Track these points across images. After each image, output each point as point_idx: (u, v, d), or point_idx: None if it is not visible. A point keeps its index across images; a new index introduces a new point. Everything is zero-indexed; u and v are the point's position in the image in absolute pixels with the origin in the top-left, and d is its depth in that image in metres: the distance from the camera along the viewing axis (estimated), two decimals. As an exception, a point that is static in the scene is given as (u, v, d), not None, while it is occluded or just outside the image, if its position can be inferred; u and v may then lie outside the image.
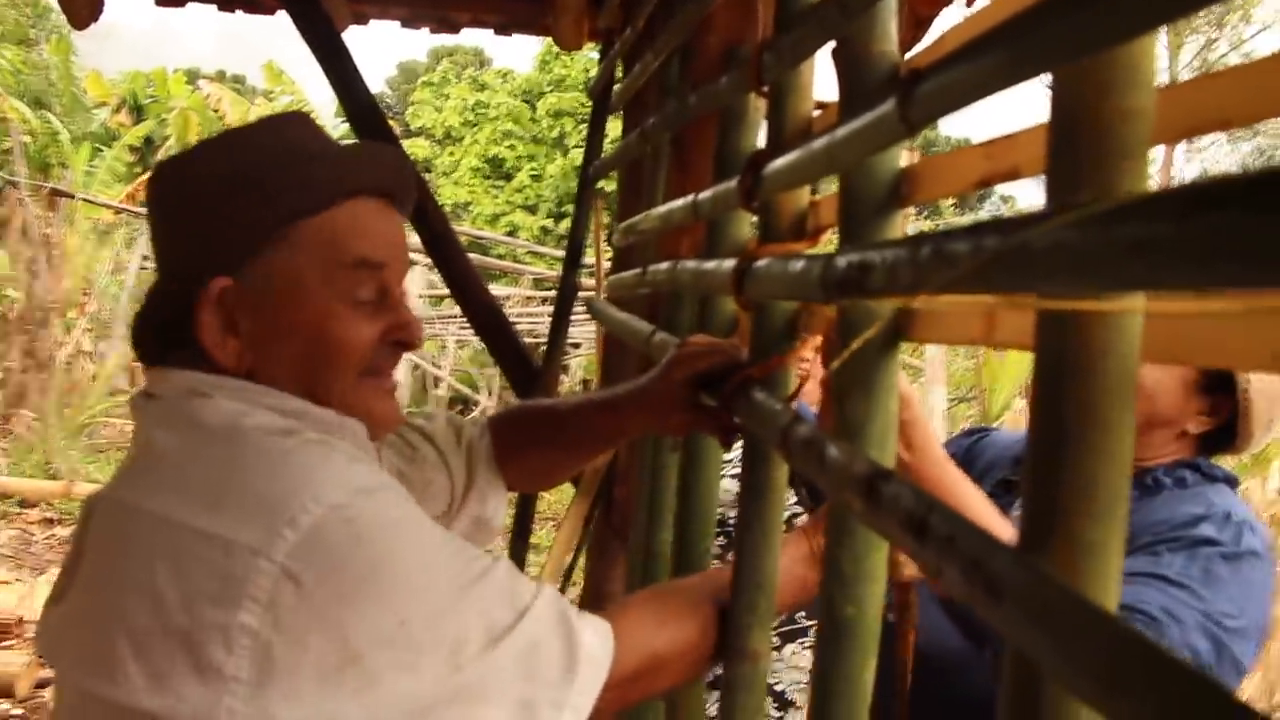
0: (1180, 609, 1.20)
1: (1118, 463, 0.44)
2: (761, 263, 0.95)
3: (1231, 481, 1.41)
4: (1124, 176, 0.43)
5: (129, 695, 0.84)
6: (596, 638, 0.94)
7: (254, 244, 0.98)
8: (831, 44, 0.83)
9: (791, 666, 2.53)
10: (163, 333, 1.01)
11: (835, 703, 0.81)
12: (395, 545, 0.87)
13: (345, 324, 1.00)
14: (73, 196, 11.17)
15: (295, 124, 1.06)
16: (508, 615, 0.90)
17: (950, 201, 16.75)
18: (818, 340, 1.01)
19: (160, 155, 18.93)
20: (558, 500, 8.70)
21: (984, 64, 0.50)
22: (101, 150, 17.89)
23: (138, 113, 20.56)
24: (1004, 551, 0.47)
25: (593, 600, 2.07)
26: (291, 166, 1.00)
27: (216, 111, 19.49)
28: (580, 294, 2.33)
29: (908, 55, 0.80)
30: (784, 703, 2.54)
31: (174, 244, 1.01)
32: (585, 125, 2.26)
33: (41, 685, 4.71)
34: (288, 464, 0.89)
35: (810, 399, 2.38)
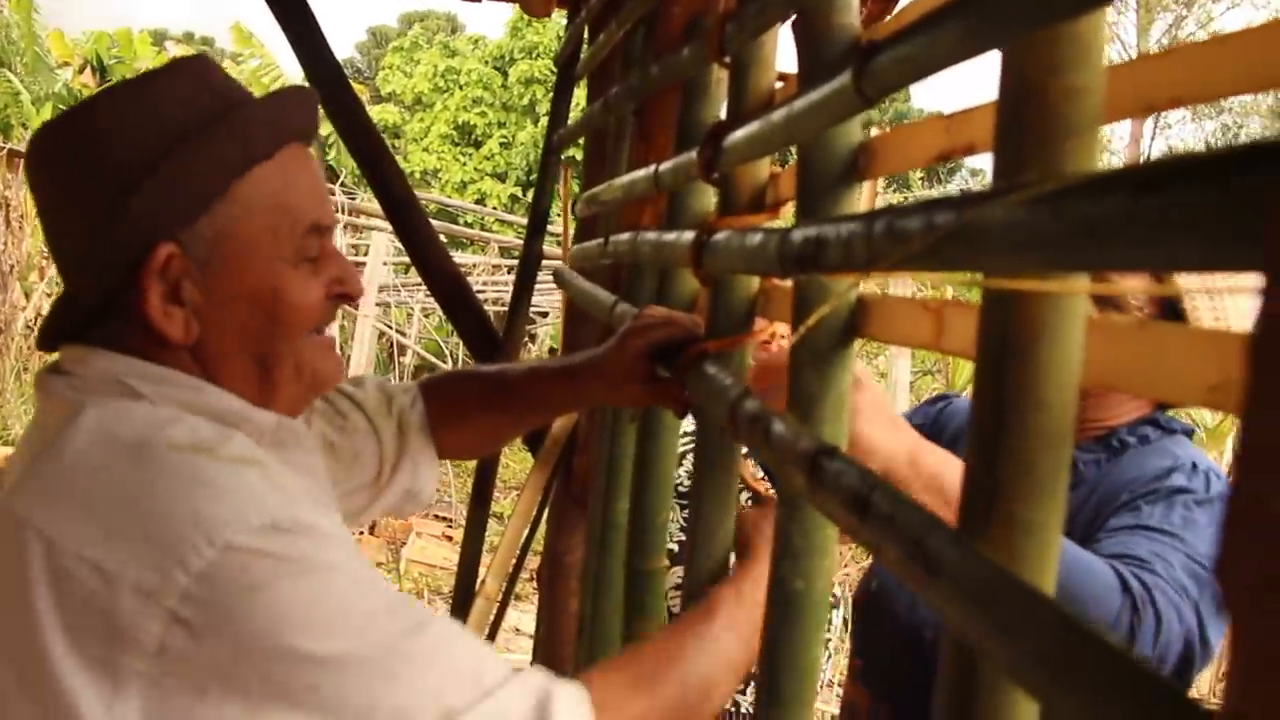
0: (1167, 552, 1.24)
1: (1058, 444, 0.44)
2: (720, 235, 0.94)
3: (1189, 433, 1.46)
4: (1071, 155, 0.43)
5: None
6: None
7: (200, 204, 0.90)
8: (793, 16, 0.83)
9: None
10: (90, 309, 0.93)
11: (785, 676, 0.81)
12: (303, 593, 0.78)
13: (297, 286, 0.95)
14: (32, 156, 10.97)
15: (211, 69, 0.98)
16: (464, 695, 0.80)
17: (919, 174, 16.79)
18: (775, 325, 1.01)
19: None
20: (521, 469, 8.70)
21: (937, 38, 0.49)
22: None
23: (102, 74, 20.20)
24: (942, 531, 0.47)
25: (551, 567, 2.07)
26: (227, 116, 0.92)
27: (182, 72, 19.17)
28: (546, 262, 2.31)
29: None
30: (748, 676, 2.56)
31: (103, 213, 0.90)
32: (555, 93, 2.24)
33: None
34: (193, 492, 0.81)
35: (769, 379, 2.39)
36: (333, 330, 1.06)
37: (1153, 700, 0.34)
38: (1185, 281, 1.29)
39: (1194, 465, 1.37)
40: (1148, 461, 1.38)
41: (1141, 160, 0.37)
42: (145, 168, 0.89)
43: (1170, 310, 1.36)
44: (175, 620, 0.76)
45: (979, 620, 0.43)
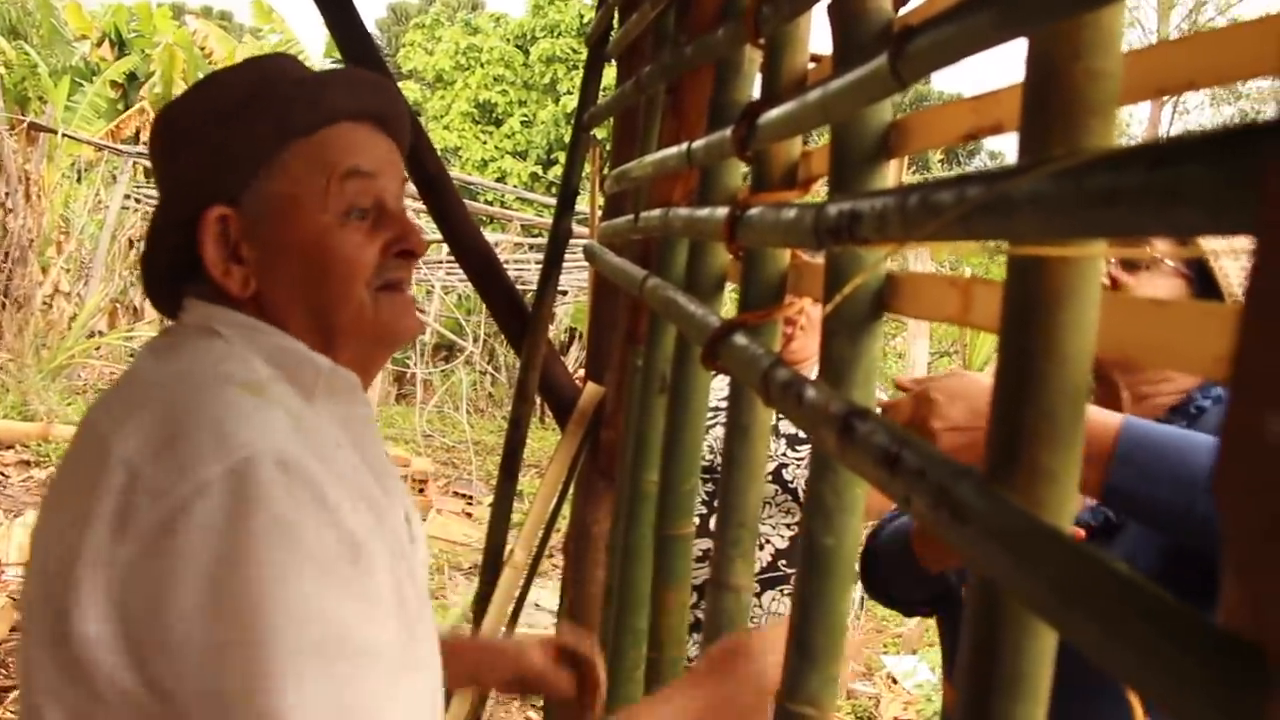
0: None
1: (1076, 397, 0.48)
2: (754, 210, 0.98)
3: None
4: (1092, 133, 0.47)
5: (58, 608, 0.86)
6: None
7: (248, 170, 1.01)
8: (827, -1, 0.86)
9: (771, 613, 2.60)
10: (174, 270, 1.05)
11: (815, 631, 0.85)
12: (270, 548, 0.83)
13: (343, 240, 1.02)
14: (55, 132, 11.02)
15: (283, 59, 1.11)
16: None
17: (939, 156, 16.75)
18: (806, 300, 1.05)
19: (145, 91, 18.74)
20: (540, 448, 8.76)
21: (971, 23, 0.53)
22: (82, 85, 17.61)
23: (120, 47, 20.26)
24: (969, 480, 0.51)
25: (578, 538, 2.12)
26: (278, 92, 1.03)
27: (203, 49, 19.24)
28: (572, 240, 2.36)
29: (901, 11, 0.83)
30: (762, 646, 2.61)
31: (172, 181, 1.04)
32: (577, 72, 2.27)
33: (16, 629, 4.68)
34: (223, 416, 0.89)
35: (795, 358, 2.43)
36: (408, 285, 1.11)
37: (1163, 620, 0.37)
38: (1211, 244, 1.32)
39: None
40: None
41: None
42: (200, 141, 1.03)
43: (1198, 270, 1.39)
44: (168, 521, 0.83)
45: (1003, 559, 0.47)
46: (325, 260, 1.02)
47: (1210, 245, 1.33)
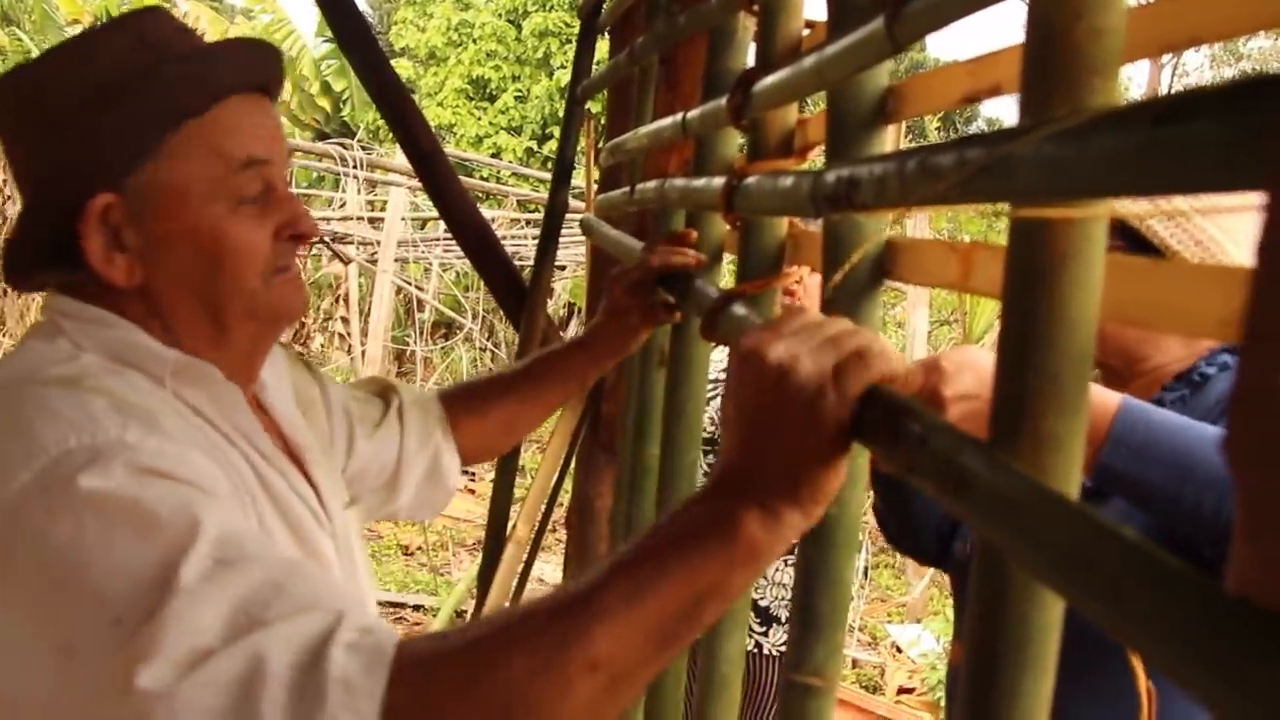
0: None
1: (1081, 360, 0.47)
2: (751, 179, 0.97)
3: None
4: (1095, 92, 0.46)
5: None
6: (358, 656, 0.70)
7: (134, 157, 0.95)
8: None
9: (775, 584, 2.60)
10: (40, 253, 0.99)
11: (819, 599, 0.85)
12: (102, 522, 0.77)
13: (239, 229, 0.97)
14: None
15: (155, 22, 1.02)
16: (224, 632, 0.72)
17: (936, 124, 16.67)
18: (804, 269, 1.04)
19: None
20: (541, 426, 8.76)
21: (968, -16, 0.52)
22: (77, 68, 17.48)
23: (113, 30, 20.09)
24: (973, 447, 0.51)
25: (580, 512, 2.12)
26: (162, 70, 0.96)
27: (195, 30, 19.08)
28: (569, 214, 2.34)
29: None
30: (768, 618, 2.61)
31: (45, 163, 0.97)
32: (570, 46, 2.25)
33: None
34: (33, 418, 0.84)
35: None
36: (296, 265, 1.06)
37: (1172, 586, 0.37)
38: (1130, 207, 1.28)
39: None
40: (1229, 382, 1.36)
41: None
42: (71, 123, 0.95)
43: (1127, 236, 1.35)
44: None
45: (1008, 527, 0.46)
46: (218, 251, 0.97)
47: (1130, 208, 1.30)
